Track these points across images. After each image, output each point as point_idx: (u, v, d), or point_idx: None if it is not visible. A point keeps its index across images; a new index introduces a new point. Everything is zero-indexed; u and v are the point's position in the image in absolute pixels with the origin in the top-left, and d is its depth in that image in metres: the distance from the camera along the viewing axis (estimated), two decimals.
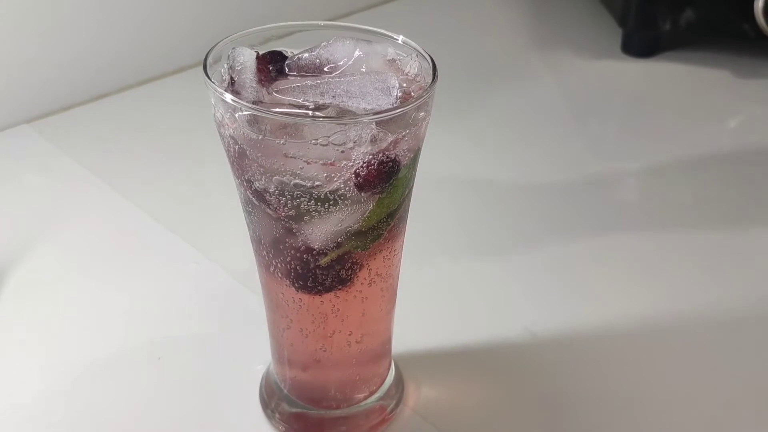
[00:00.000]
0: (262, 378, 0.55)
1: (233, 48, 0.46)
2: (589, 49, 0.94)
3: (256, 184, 0.45)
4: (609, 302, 0.63)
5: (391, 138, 0.43)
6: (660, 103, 0.87)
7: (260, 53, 0.46)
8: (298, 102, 0.44)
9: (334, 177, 0.43)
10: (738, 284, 0.65)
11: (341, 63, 0.46)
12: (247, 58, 0.45)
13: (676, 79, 0.90)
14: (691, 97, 0.88)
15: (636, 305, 0.63)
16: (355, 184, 0.43)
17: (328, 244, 0.46)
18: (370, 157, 0.43)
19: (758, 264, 0.67)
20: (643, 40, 0.93)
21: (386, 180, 0.44)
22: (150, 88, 0.86)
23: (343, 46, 0.47)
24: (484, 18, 1.01)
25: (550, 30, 0.98)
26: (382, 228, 0.46)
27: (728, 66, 0.90)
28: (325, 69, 0.46)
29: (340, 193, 0.44)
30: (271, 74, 0.46)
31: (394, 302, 0.52)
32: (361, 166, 0.43)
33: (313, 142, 0.42)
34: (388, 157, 0.44)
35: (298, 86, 0.44)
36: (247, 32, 0.48)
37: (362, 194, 0.44)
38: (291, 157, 0.43)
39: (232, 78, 0.45)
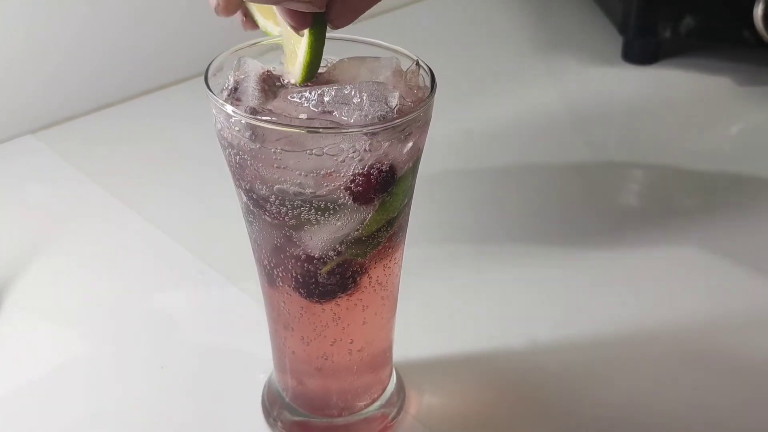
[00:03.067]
0: (264, 386, 0.55)
1: (240, 57, 0.46)
2: (590, 57, 0.94)
3: (256, 194, 0.45)
4: (612, 310, 0.63)
5: (387, 148, 0.44)
6: (661, 110, 0.87)
7: (267, 69, 0.46)
8: (297, 112, 0.44)
9: (331, 187, 0.44)
10: (743, 291, 0.65)
11: (345, 81, 0.46)
12: (253, 68, 0.46)
13: (676, 86, 0.90)
14: (692, 103, 0.88)
15: (640, 313, 0.63)
16: (351, 194, 0.44)
17: (328, 252, 0.46)
18: (367, 167, 0.43)
19: (761, 270, 0.67)
20: (643, 48, 0.93)
21: (382, 190, 0.44)
22: (154, 98, 0.86)
23: (349, 68, 0.47)
24: (485, 25, 1.01)
25: (551, 37, 0.99)
26: (381, 236, 0.47)
27: (729, 73, 0.91)
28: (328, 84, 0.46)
29: (339, 202, 0.44)
30: (276, 84, 0.46)
31: (395, 310, 0.52)
32: (358, 176, 0.43)
33: (309, 152, 0.43)
34: (384, 167, 0.44)
35: (298, 96, 0.45)
36: (248, 44, 0.48)
37: (359, 204, 0.44)
38: (289, 168, 0.43)
39: (236, 85, 0.46)
